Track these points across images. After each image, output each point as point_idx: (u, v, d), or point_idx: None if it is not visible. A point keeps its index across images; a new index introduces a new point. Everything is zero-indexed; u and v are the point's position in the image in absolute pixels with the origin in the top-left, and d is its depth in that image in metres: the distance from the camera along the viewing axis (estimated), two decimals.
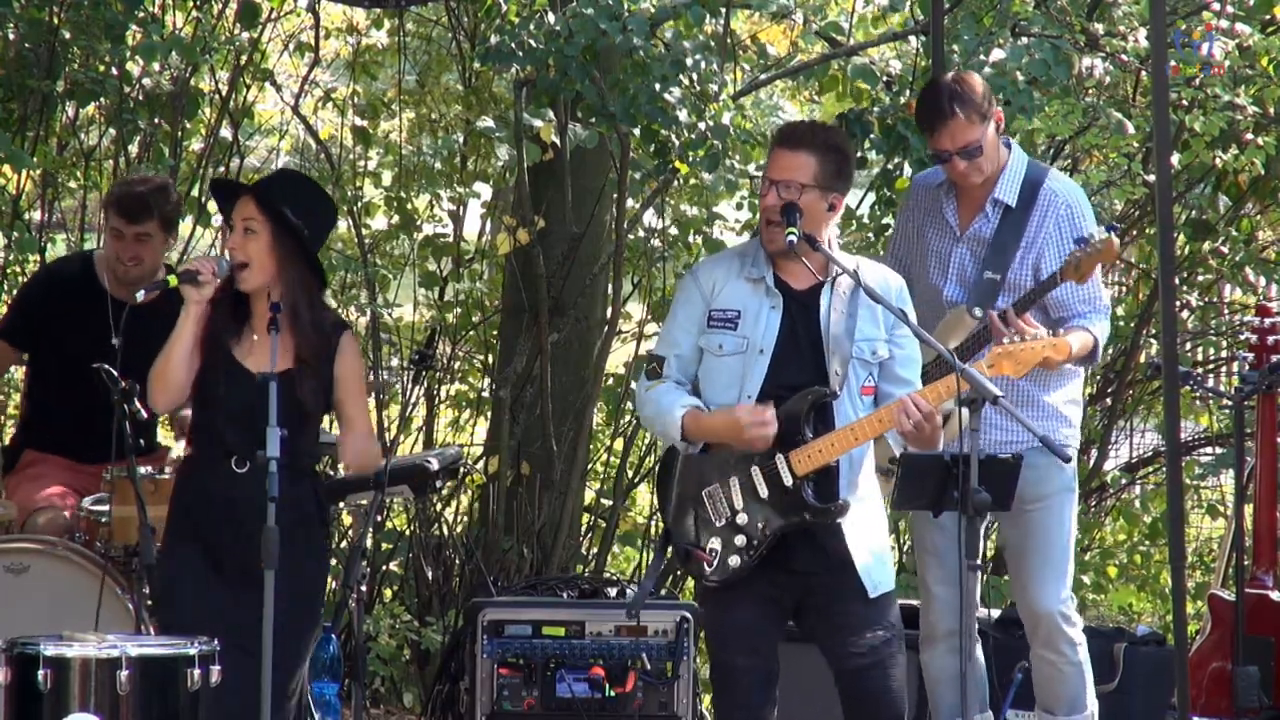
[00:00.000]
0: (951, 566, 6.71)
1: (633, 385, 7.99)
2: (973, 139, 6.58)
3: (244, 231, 6.09)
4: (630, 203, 9.42)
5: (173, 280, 6.06)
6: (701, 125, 8.05)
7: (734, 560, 5.97)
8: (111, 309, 7.17)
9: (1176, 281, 9.57)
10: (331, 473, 8.98)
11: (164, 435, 8.23)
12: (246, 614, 5.86)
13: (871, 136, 8.38)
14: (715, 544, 6.00)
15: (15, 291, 8.06)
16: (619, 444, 10.11)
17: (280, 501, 5.87)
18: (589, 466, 9.91)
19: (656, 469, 6.28)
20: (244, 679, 5.79)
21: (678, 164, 8.37)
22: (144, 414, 6.56)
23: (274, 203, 6.12)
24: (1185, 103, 8.92)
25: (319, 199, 6.40)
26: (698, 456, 6.05)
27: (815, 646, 6.10)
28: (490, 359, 10.01)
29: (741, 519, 5.97)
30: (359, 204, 9.93)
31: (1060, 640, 6.64)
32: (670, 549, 6.14)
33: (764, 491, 5.96)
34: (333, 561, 9.39)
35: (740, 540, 5.97)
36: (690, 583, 9.35)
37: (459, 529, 9.73)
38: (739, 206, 10.03)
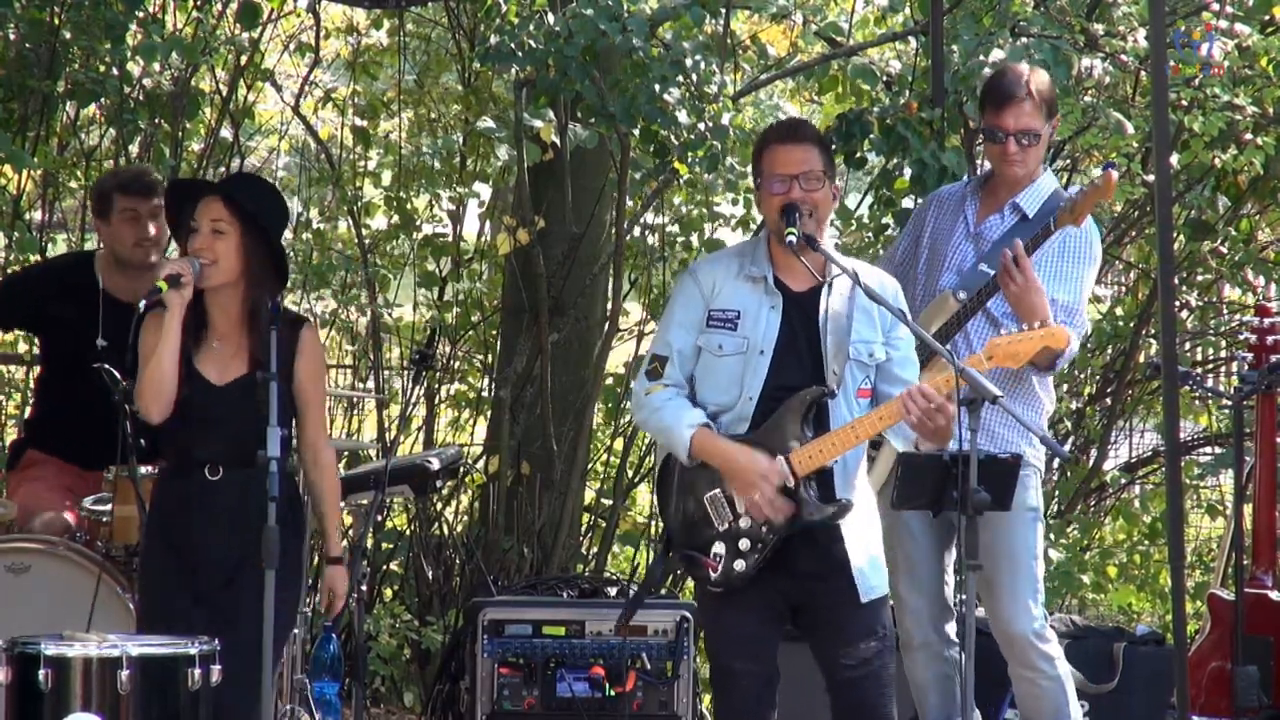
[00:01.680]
0: (923, 573, 6.73)
1: (632, 385, 8.01)
2: (1035, 127, 6.60)
3: (212, 232, 6.09)
4: (630, 203, 9.43)
5: (163, 285, 6.05)
6: (701, 126, 8.06)
7: (739, 565, 5.97)
8: (103, 308, 7.19)
9: (1176, 281, 9.58)
10: None
11: None
12: (220, 619, 5.87)
13: (871, 136, 8.39)
14: (719, 549, 5.99)
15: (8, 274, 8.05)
16: (619, 444, 10.11)
17: (250, 504, 5.90)
18: (589, 466, 9.91)
19: (656, 474, 6.28)
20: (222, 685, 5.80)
21: (677, 165, 8.38)
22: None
23: (244, 203, 6.12)
24: (1185, 103, 8.92)
25: (277, 199, 6.42)
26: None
27: (809, 645, 6.10)
28: (490, 359, 10.02)
29: (744, 523, 5.96)
30: (359, 204, 9.94)
31: (1036, 658, 6.63)
32: (672, 555, 6.14)
33: None
34: None
35: (744, 544, 5.96)
36: (690, 582, 9.36)
37: (459, 529, 9.73)
38: (735, 203, 10.04)
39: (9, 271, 9.11)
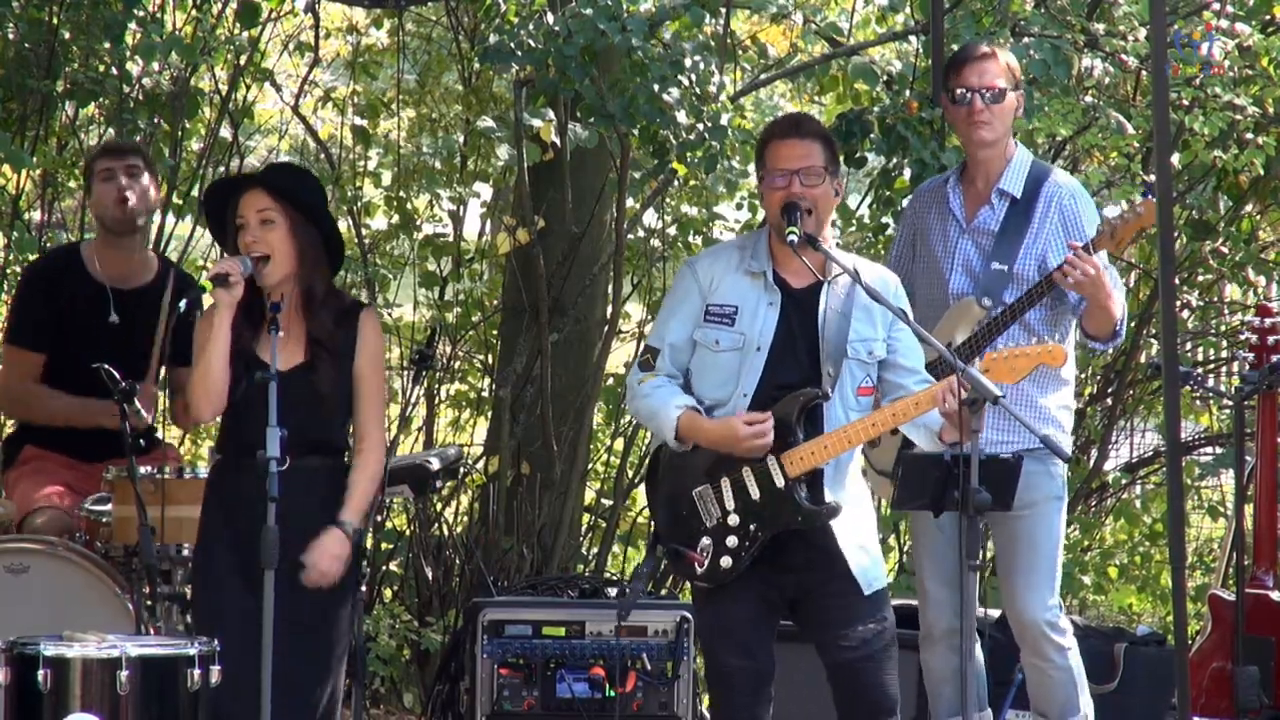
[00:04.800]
0: (948, 566, 6.71)
1: (626, 377, 7.99)
2: (999, 86, 6.60)
3: (261, 223, 6.08)
4: (630, 203, 9.42)
5: (207, 286, 6.04)
6: (700, 126, 8.04)
7: (725, 561, 5.97)
8: (105, 290, 7.21)
9: (1177, 281, 9.56)
10: None
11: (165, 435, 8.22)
12: (293, 611, 5.87)
13: (871, 136, 8.38)
14: (706, 544, 5.99)
15: (12, 297, 8.00)
16: (619, 444, 10.11)
17: (315, 496, 6.00)
18: (589, 466, 9.90)
19: (645, 469, 6.28)
20: (291, 683, 5.82)
21: (676, 165, 8.37)
22: (144, 413, 6.55)
23: (286, 188, 6.13)
24: (1185, 103, 8.91)
25: (313, 180, 6.46)
26: (688, 455, 6.04)
27: (810, 645, 6.11)
28: (490, 359, 10.01)
29: (733, 520, 5.96)
30: (359, 204, 9.93)
31: (1048, 648, 6.64)
32: (661, 550, 6.14)
33: (755, 493, 5.95)
34: None
35: (732, 541, 5.96)
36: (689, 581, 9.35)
37: (459, 529, 9.72)
38: (739, 207, 10.03)
39: (7, 274, 9.12)
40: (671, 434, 5.97)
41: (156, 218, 9.54)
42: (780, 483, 5.90)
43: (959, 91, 6.64)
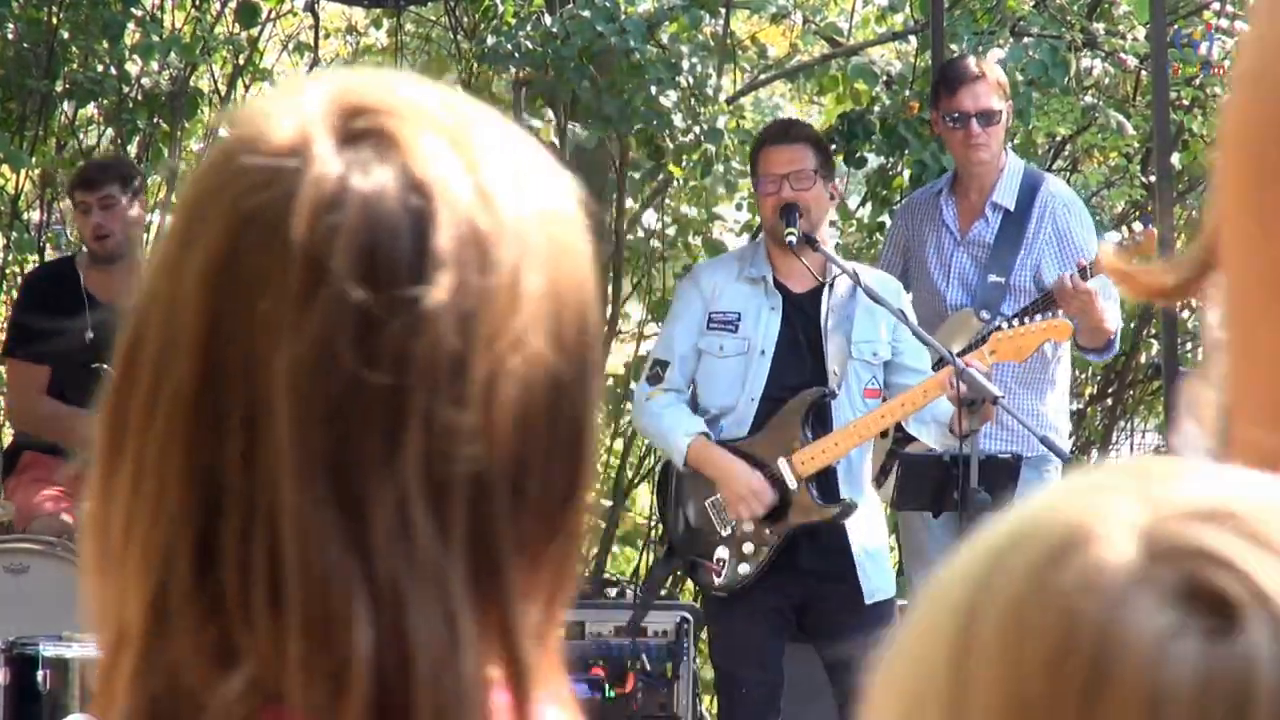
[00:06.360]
0: (938, 566, 6.70)
1: (632, 385, 8.00)
2: (994, 108, 6.57)
3: None
4: (630, 203, 9.41)
5: None
6: (696, 129, 8.04)
7: (743, 568, 5.96)
8: (89, 305, 7.20)
9: None
10: None
11: None
12: None
13: (873, 137, 8.37)
14: (722, 554, 5.98)
15: (10, 308, 7.99)
16: (619, 444, 10.10)
17: None
18: None
19: (657, 479, 6.27)
20: None
21: (672, 168, 8.36)
22: None
23: None
24: (1185, 103, 8.91)
25: None
26: None
27: (813, 646, 6.10)
28: None
29: (747, 526, 5.95)
30: None
31: None
32: (675, 560, 6.14)
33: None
34: None
35: (748, 548, 5.95)
36: (690, 583, 9.35)
37: None
38: (739, 208, 10.02)
39: (7, 274, 9.12)
40: (681, 461, 5.98)
41: (156, 217, 9.53)
42: (792, 484, 5.89)
43: (952, 115, 6.62)
